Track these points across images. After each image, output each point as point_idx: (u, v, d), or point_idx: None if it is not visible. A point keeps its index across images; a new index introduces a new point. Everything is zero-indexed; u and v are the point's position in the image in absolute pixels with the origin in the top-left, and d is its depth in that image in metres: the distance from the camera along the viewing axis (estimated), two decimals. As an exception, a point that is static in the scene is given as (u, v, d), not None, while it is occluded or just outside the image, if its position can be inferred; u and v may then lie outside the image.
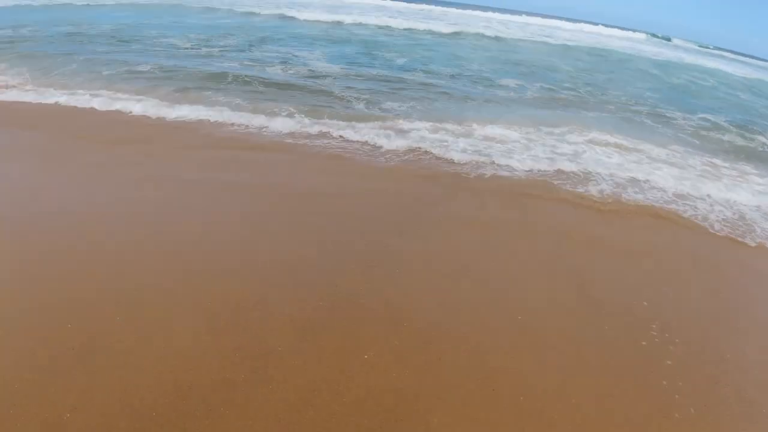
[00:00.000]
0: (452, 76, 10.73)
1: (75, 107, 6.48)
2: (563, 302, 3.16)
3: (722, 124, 9.50)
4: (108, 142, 5.35)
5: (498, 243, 3.86)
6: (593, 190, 5.09)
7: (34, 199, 3.95)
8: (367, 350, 2.53)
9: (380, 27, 19.80)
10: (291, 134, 5.97)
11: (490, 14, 41.18)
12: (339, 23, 19.51)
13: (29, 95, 6.78)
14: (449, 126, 6.76)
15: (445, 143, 6.08)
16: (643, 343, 2.85)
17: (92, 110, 6.42)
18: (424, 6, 39.51)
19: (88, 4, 22.80)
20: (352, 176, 4.90)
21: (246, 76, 8.68)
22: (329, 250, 3.44)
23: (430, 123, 6.79)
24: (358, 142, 5.83)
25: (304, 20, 19.73)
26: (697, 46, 45.59)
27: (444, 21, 26.34)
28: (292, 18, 20.08)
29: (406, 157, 5.55)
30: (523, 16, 40.38)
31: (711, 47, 47.63)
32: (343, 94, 8.03)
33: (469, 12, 41.09)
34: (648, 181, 5.54)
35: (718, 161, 6.85)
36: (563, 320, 2.97)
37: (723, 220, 4.86)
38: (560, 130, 7.23)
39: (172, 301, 2.79)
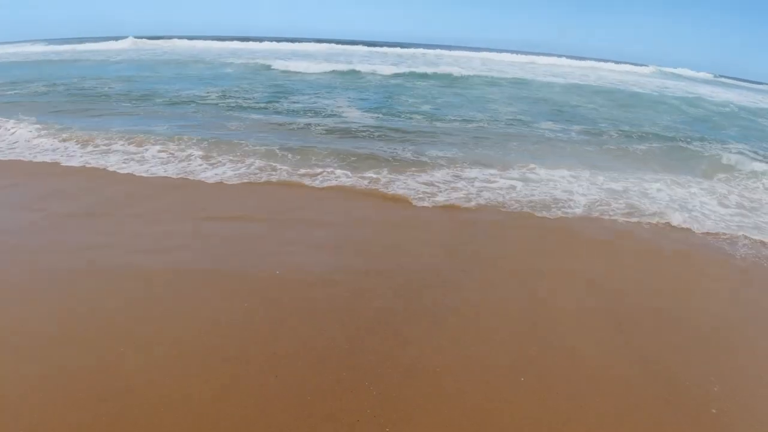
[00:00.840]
0: (489, 120, 10.88)
1: (92, 167, 6.30)
2: (623, 373, 2.89)
3: (759, 152, 9.77)
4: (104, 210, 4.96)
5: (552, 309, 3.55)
6: (662, 234, 5.16)
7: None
8: None
9: (395, 74, 20.33)
10: (337, 190, 5.83)
11: (484, 54, 43.22)
12: (340, 72, 19.94)
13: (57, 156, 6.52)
14: (501, 171, 6.79)
15: (506, 191, 6.06)
16: (714, 411, 2.65)
17: (106, 171, 6.23)
18: (418, 50, 41.42)
19: (76, 60, 23.44)
20: (387, 243, 4.50)
21: (278, 131, 8.73)
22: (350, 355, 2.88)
23: (491, 171, 6.74)
24: (400, 198, 5.65)
25: (304, 71, 20.02)
26: (700, 72, 48.54)
27: (453, 65, 27.27)
28: (287, 71, 20.32)
29: (448, 215, 5.33)
30: (525, 56, 42.44)
31: (713, 75, 50.60)
32: (384, 146, 7.95)
33: (462, 53, 43.14)
34: (699, 217, 5.68)
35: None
36: (630, 403, 2.67)
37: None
38: (617, 170, 7.30)
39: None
